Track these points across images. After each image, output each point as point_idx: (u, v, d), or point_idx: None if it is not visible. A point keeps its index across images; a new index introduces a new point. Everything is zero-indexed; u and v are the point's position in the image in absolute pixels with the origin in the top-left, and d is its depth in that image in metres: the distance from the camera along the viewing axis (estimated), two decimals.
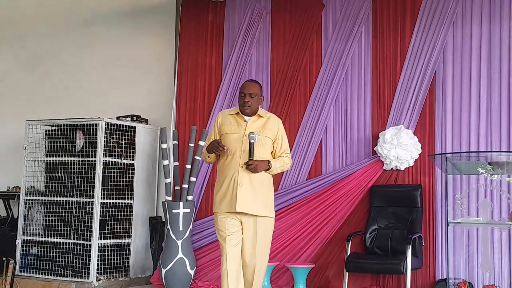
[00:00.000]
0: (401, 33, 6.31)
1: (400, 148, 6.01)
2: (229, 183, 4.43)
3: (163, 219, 6.80)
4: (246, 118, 4.56)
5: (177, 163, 6.54)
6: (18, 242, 6.90)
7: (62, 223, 6.72)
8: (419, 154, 6.07)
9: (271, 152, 4.59)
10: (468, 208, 5.61)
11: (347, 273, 5.64)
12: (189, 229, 6.24)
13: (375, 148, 6.21)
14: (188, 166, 6.39)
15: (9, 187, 7.96)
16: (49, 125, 7.07)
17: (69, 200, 6.73)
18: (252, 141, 4.36)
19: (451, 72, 6.09)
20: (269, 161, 4.46)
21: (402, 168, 6.09)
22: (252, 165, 4.36)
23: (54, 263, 6.65)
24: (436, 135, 6.08)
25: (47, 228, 6.80)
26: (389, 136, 6.07)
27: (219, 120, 4.63)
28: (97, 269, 6.45)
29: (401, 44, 6.30)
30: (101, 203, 6.53)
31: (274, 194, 4.70)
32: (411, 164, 6.08)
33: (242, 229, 4.45)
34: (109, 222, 6.64)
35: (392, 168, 6.13)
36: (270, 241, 4.57)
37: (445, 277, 5.63)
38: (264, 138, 4.50)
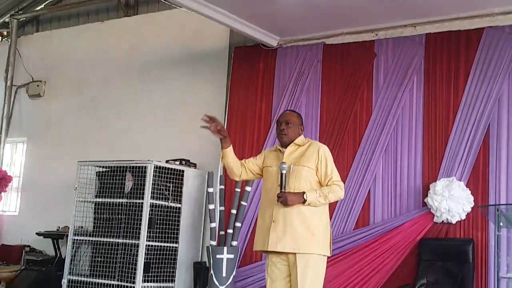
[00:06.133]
0: (455, 83, 6.20)
1: (451, 200, 5.82)
2: (263, 221, 4.11)
3: (207, 265, 6.74)
4: (284, 150, 4.17)
5: (222, 208, 6.52)
6: (64, 282, 6.94)
7: (107, 264, 6.74)
8: (472, 207, 5.86)
9: (319, 183, 4.10)
10: None
11: None
12: (232, 276, 6.15)
13: (425, 200, 6.03)
14: (234, 211, 6.36)
15: (59, 227, 8.06)
16: (100, 167, 7.18)
17: (115, 241, 6.75)
18: (283, 171, 4.00)
19: (506, 124, 5.92)
20: (304, 193, 3.98)
21: (454, 221, 5.88)
22: (281, 198, 3.96)
23: None
24: (490, 188, 5.86)
25: (92, 268, 6.83)
26: (440, 187, 5.89)
27: (263, 154, 4.33)
28: None
29: (454, 94, 6.18)
30: (146, 245, 6.53)
31: None
32: (463, 217, 5.88)
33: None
34: (154, 265, 6.61)
35: (443, 221, 5.93)
36: (318, 283, 3.99)
37: None
38: (301, 168, 4.05)
